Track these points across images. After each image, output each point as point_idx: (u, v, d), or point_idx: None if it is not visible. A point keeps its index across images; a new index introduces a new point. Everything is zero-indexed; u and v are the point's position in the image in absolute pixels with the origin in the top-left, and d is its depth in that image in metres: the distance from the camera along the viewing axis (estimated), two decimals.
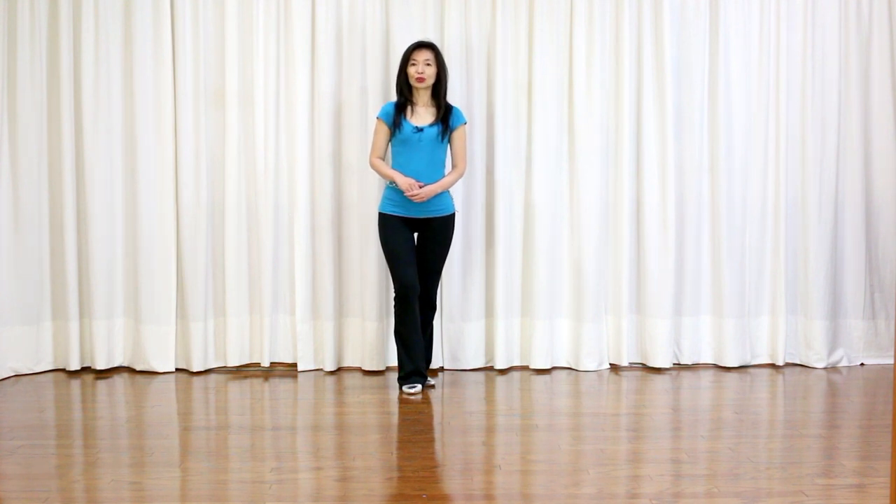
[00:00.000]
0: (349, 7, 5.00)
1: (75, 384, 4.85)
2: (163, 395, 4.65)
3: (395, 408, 4.39)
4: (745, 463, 3.53)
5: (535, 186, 5.05)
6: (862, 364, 5.25)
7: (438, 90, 4.61)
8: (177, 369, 5.08)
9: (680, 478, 3.38)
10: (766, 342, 5.21)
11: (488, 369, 5.11)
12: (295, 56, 5.00)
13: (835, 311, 5.20)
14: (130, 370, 5.09)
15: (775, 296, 5.17)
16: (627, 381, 4.91)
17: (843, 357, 5.22)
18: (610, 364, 5.17)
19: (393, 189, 4.55)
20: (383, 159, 4.66)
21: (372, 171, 4.74)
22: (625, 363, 5.13)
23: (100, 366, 5.01)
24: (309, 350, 5.09)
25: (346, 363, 5.14)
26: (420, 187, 4.50)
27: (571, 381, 4.91)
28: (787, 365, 5.20)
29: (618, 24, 5.07)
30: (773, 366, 5.19)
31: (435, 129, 4.57)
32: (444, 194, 4.61)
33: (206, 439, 3.89)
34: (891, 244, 5.23)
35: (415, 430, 4.02)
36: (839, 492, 3.23)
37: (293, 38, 5.00)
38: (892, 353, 5.11)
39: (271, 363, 5.13)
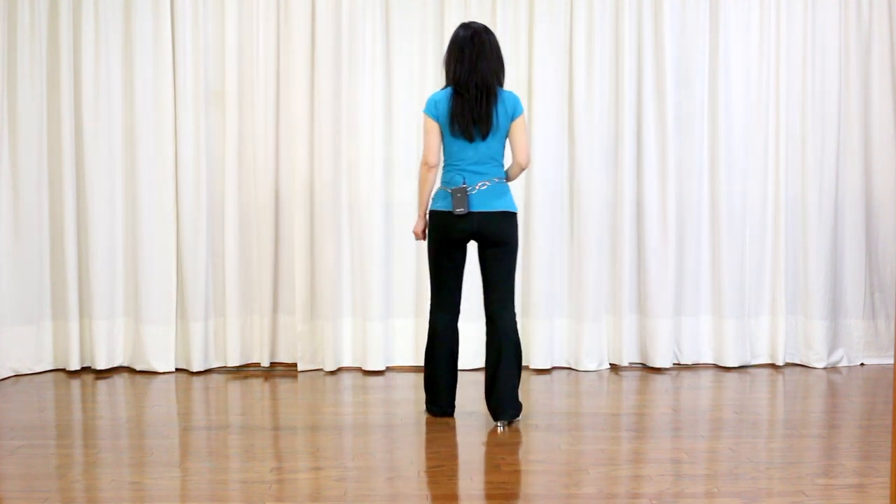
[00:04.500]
0: (349, 7, 5.00)
1: (75, 384, 4.85)
2: (163, 395, 4.65)
3: (395, 408, 4.39)
4: (745, 463, 3.53)
5: (536, 186, 5.05)
6: (862, 364, 5.25)
7: None
8: (177, 369, 5.09)
9: (680, 478, 3.38)
10: (766, 342, 5.22)
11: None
12: (295, 56, 5.00)
13: (835, 311, 5.20)
14: (130, 370, 5.10)
15: (775, 296, 5.17)
16: (627, 381, 4.91)
17: (843, 357, 5.22)
18: (610, 364, 5.18)
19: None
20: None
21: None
22: (625, 363, 5.13)
23: (100, 366, 5.01)
24: (309, 350, 5.09)
25: (346, 363, 5.14)
26: None
27: (571, 381, 4.91)
28: (787, 365, 5.20)
29: (618, 25, 5.07)
30: (773, 366, 5.20)
31: None
32: None
33: (206, 439, 3.89)
34: (891, 244, 5.23)
35: (415, 430, 4.02)
36: (839, 492, 3.23)
37: (293, 38, 5.00)
38: (892, 353, 5.11)
39: (271, 363, 5.14)
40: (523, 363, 5.11)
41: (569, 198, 5.12)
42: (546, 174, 5.06)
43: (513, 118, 3.97)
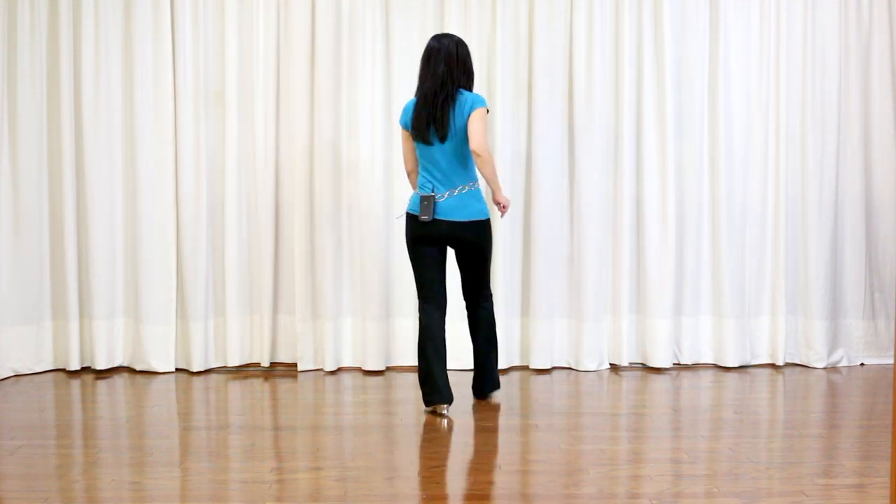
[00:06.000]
0: (349, 7, 5.00)
1: (75, 384, 4.86)
2: (163, 395, 4.65)
3: (395, 408, 4.39)
4: (745, 463, 3.53)
5: (536, 186, 5.06)
6: (862, 364, 5.25)
7: None
8: (177, 369, 5.09)
9: (680, 478, 3.38)
10: (766, 342, 5.22)
11: None
12: (295, 56, 5.00)
13: (835, 311, 5.20)
14: (130, 370, 5.10)
15: (775, 296, 5.17)
16: (627, 381, 4.91)
17: (843, 357, 5.22)
18: (610, 364, 5.18)
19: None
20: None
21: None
22: (625, 363, 5.13)
23: (100, 366, 5.01)
24: (309, 350, 5.09)
25: (346, 363, 5.14)
26: None
27: (571, 381, 4.91)
28: (787, 365, 5.20)
29: (618, 25, 5.07)
30: (773, 366, 5.20)
31: None
32: None
33: (206, 439, 3.89)
34: (891, 244, 5.23)
35: (415, 430, 4.02)
36: (839, 492, 3.23)
37: (293, 38, 5.00)
38: (892, 353, 5.11)
39: (271, 363, 5.14)
40: (523, 363, 5.17)
41: (569, 198, 5.12)
42: (546, 174, 5.06)
43: (470, 111, 4.05)
